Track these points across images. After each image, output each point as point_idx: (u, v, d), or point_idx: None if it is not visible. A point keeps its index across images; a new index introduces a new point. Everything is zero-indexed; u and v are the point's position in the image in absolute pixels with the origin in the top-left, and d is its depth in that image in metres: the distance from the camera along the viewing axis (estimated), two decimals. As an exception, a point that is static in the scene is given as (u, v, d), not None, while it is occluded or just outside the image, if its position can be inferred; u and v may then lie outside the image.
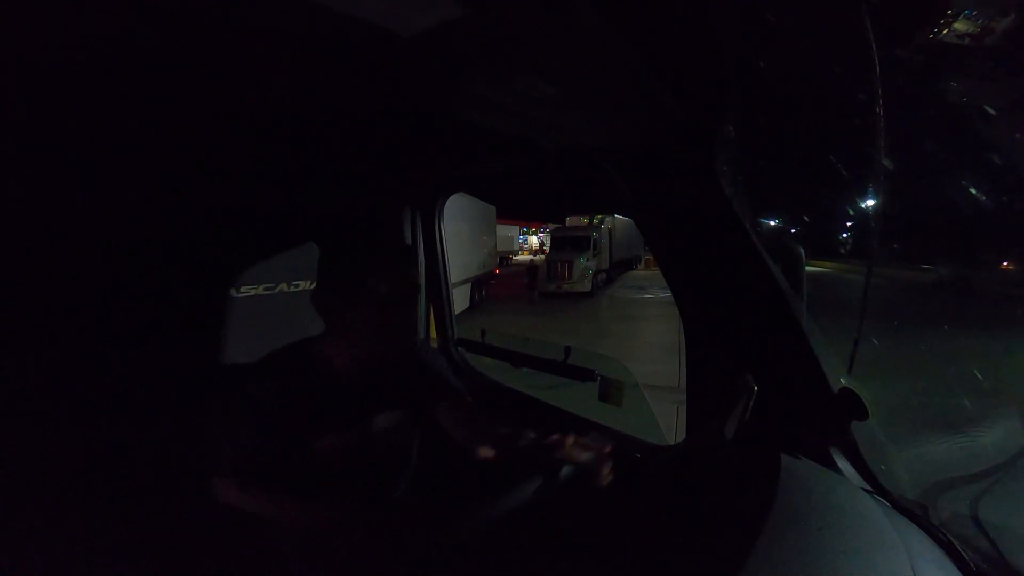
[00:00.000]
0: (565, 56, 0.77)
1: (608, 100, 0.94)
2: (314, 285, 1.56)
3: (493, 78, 0.86)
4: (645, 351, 7.72)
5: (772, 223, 1.02)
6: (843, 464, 0.89)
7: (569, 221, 20.19)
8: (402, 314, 1.06)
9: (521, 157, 1.51)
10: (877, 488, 0.86)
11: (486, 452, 0.92)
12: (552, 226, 21.16)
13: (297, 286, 1.51)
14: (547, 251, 19.65)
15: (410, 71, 0.88)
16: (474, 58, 0.79)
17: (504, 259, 27.91)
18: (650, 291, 16.35)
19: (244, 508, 0.95)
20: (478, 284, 12.96)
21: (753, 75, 1.00)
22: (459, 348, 2.06)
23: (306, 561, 1.00)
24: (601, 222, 19.89)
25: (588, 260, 16.27)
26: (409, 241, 2.02)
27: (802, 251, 1.05)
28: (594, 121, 1.03)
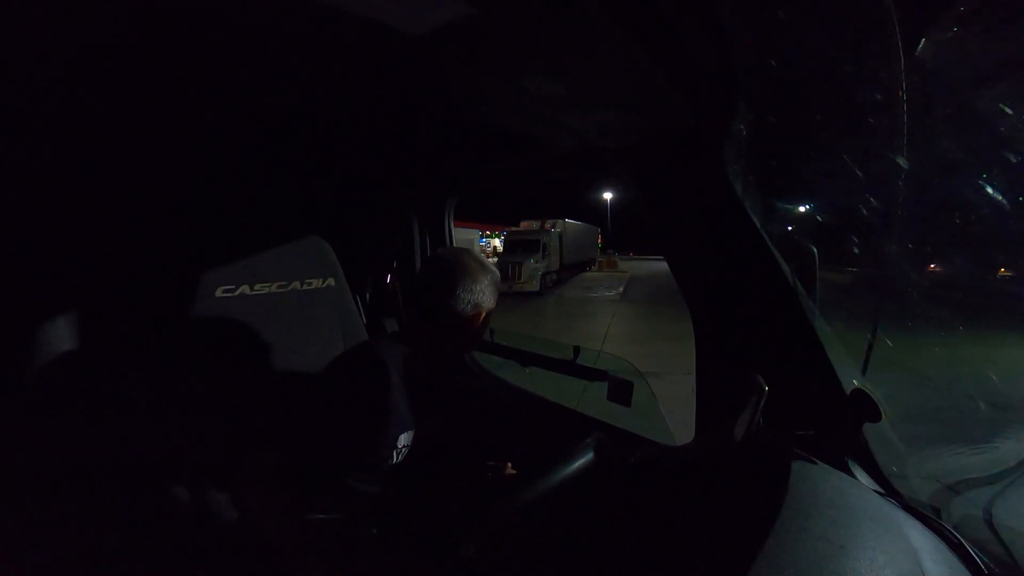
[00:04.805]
0: (574, 55, 0.77)
1: (617, 98, 0.94)
2: (326, 283, 1.57)
3: (503, 77, 0.86)
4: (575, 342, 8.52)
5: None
6: (855, 466, 0.88)
7: (523, 225, 21.21)
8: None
9: (530, 156, 1.51)
10: (889, 490, 0.85)
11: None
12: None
13: (310, 284, 1.53)
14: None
15: (419, 70, 0.89)
16: (484, 57, 0.79)
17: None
18: (596, 291, 17.54)
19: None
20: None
21: (763, 72, 1.00)
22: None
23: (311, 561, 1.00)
24: (553, 226, 20.69)
25: (537, 262, 17.39)
26: (418, 241, 2.03)
27: (815, 250, 1.04)
28: (603, 119, 1.03)
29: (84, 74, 0.87)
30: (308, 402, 1.09)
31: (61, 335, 1.17)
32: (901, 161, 0.98)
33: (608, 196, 48.83)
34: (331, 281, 1.58)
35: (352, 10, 0.63)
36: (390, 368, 1.05)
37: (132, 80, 0.92)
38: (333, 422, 1.00)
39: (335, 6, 0.61)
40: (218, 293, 1.34)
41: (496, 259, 19.16)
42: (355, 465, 0.98)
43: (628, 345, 8.07)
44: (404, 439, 1.07)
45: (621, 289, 17.91)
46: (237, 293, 1.37)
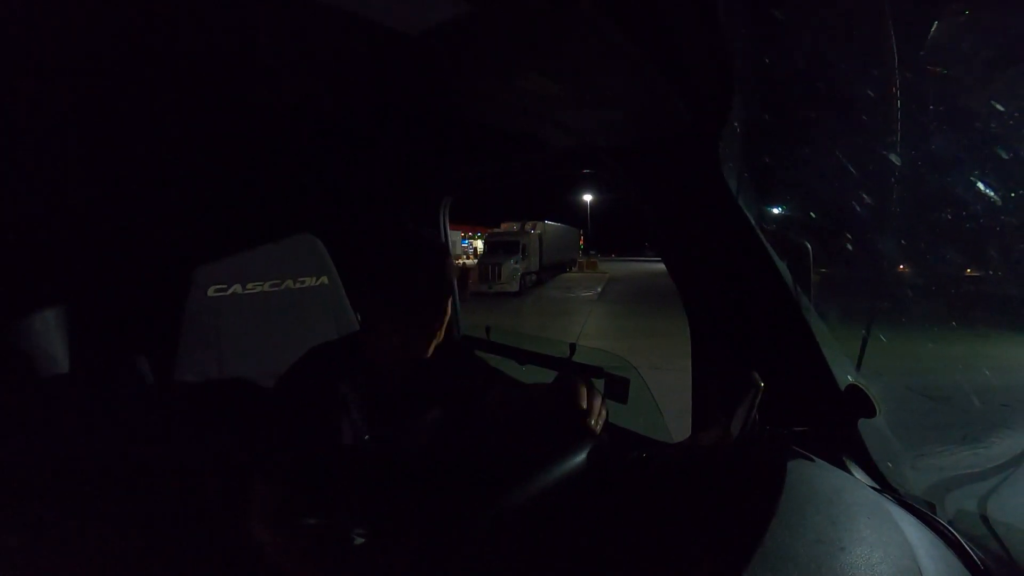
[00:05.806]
0: (571, 54, 0.77)
1: (613, 97, 0.94)
2: (319, 282, 1.56)
3: (500, 77, 0.86)
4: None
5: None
6: (850, 461, 0.88)
7: (504, 227, 21.88)
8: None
9: (527, 156, 1.51)
10: (884, 485, 0.85)
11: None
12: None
13: (303, 282, 1.52)
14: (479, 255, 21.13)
15: (416, 69, 0.89)
16: (482, 57, 0.79)
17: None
18: (575, 291, 18.08)
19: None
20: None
21: (759, 71, 1.00)
22: (464, 346, 2.06)
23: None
24: (532, 228, 21.23)
25: (517, 263, 17.83)
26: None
27: (809, 247, 1.04)
28: (599, 118, 1.03)
29: (79, 73, 0.86)
30: (274, 410, 1.03)
31: (54, 336, 1.16)
32: (894, 158, 0.99)
33: (588, 198, 48.81)
34: (324, 279, 1.56)
35: (349, 9, 0.62)
36: (336, 380, 0.98)
37: (127, 79, 0.91)
38: (294, 433, 0.96)
39: (332, 5, 0.61)
40: (210, 292, 1.32)
41: (477, 260, 19.48)
42: (329, 469, 0.94)
43: (600, 342, 8.23)
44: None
45: (599, 289, 18.30)
46: (229, 292, 1.36)
